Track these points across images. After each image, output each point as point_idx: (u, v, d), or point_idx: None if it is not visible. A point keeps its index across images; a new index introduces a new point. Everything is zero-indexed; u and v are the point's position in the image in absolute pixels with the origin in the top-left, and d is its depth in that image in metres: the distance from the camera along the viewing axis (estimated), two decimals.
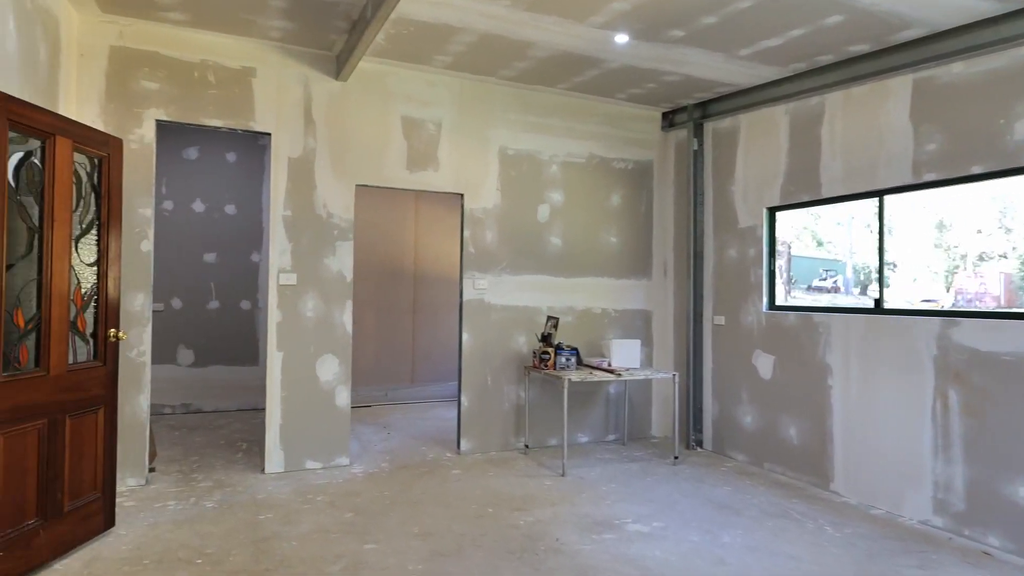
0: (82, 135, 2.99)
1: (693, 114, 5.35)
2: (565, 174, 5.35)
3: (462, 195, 4.98)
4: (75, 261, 2.98)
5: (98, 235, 3.14)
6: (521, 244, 5.18)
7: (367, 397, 6.93)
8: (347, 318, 4.55)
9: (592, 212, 5.47)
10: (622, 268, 5.58)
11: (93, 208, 3.11)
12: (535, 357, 4.83)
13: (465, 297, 4.96)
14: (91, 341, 3.10)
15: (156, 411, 6.12)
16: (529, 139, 5.21)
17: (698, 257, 5.34)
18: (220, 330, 6.39)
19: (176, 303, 6.24)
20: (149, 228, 4.06)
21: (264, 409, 6.49)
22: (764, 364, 4.79)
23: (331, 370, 4.50)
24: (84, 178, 3.05)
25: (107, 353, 3.17)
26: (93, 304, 3.11)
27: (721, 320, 5.19)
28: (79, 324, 3.02)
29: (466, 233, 4.97)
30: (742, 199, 5.05)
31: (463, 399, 4.94)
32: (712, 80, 4.75)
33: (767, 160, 4.84)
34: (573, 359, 4.75)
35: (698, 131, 5.36)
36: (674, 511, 3.79)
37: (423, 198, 7.29)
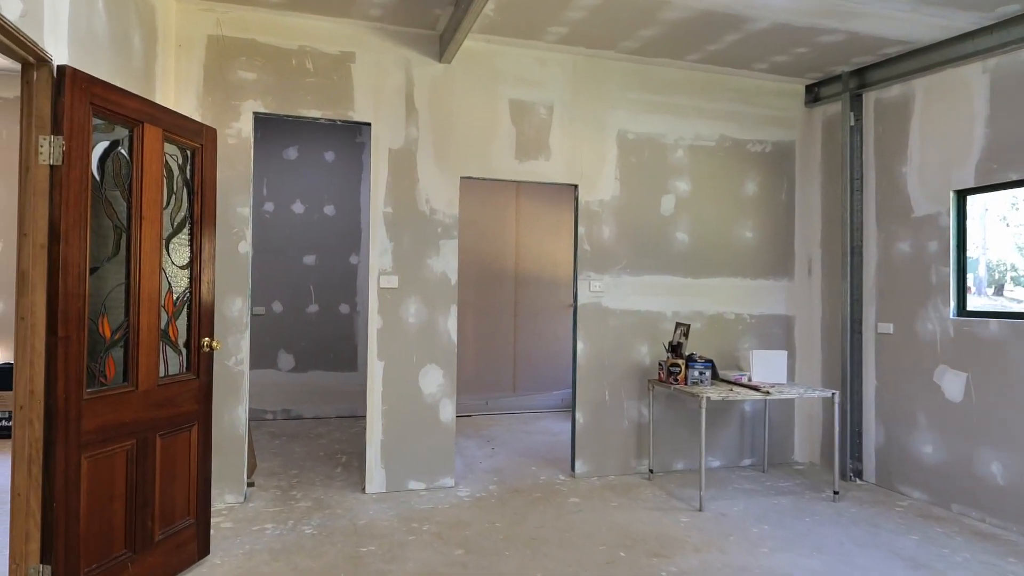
0: (173, 123, 2.71)
1: (849, 83, 4.51)
2: (692, 160, 4.67)
3: (576, 186, 4.43)
4: (166, 263, 2.69)
5: (191, 234, 2.85)
6: (642, 240, 4.55)
7: (467, 407, 6.53)
8: (452, 324, 4.11)
9: (724, 203, 4.74)
10: (758, 267, 4.82)
11: (185, 205, 2.82)
12: (661, 370, 4.19)
13: (580, 301, 4.40)
14: (183, 351, 2.82)
15: (258, 416, 6.01)
16: (651, 121, 4.57)
17: (855, 253, 4.49)
18: (320, 335, 6.21)
19: (277, 307, 6.12)
20: (247, 228, 3.80)
21: (364, 417, 6.32)
22: (952, 383, 3.89)
23: (435, 382, 4.08)
24: (176, 171, 2.77)
25: (201, 364, 2.88)
26: (186, 310, 2.83)
27: (888, 328, 4.31)
28: (170, 333, 2.73)
29: (580, 229, 4.41)
30: (918, 182, 4.15)
31: (578, 415, 4.38)
32: (882, 38, 3.91)
33: (954, 132, 3.93)
34: (708, 373, 4.07)
35: (855, 103, 4.51)
36: (854, 568, 3.04)
37: (525, 192, 6.81)
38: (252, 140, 3.82)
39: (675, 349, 4.20)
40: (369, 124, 4.02)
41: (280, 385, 6.09)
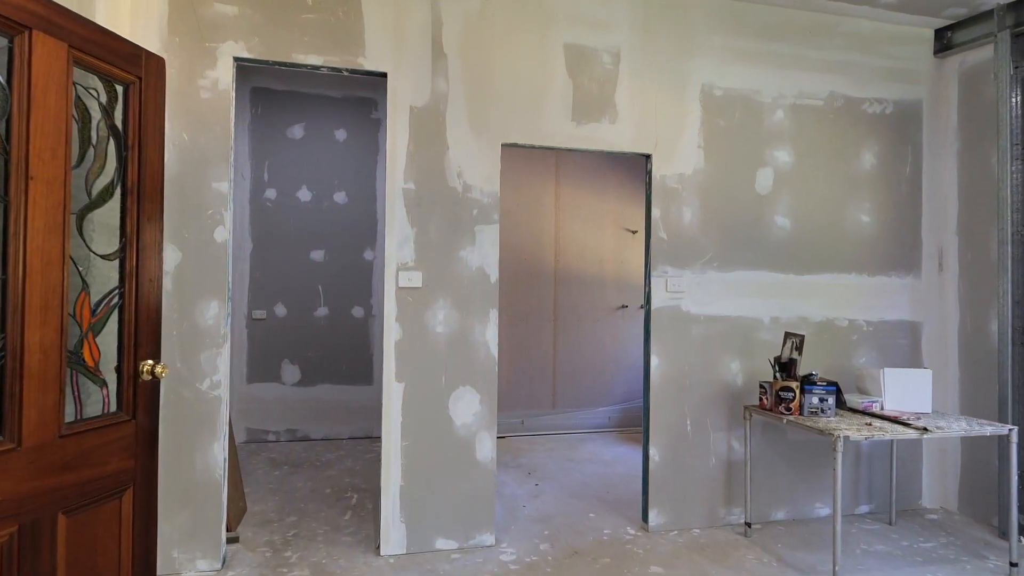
0: (89, 40, 1.80)
1: (1004, 21, 3.47)
2: (795, 122, 3.67)
3: (648, 157, 3.46)
4: (77, 249, 1.79)
5: (123, 209, 1.94)
6: (733, 226, 3.56)
7: (500, 427, 5.58)
8: (491, 335, 3.17)
9: (833, 178, 3.73)
10: (877, 260, 3.79)
11: (113, 164, 1.92)
12: (764, 393, 3.20)
13: (653, 304, 3.42)
14: (109, 382, 1.91)
15: (258, 438, 5.13)
16: (743, 73, 3.58)
17: (1017, 242, 3.44)
18: (330, 342, 5.31)
19: (280, 310, 5.24)
20: (226, 210, 2.90)
21: (379, 438, 5.42)
22: None
23: (470, 409, 3.14)
24: (96, 115, 1.86)
25: (139, 399, 1.97)
26: (116, 321, 1.92)
27: None
28: (87, 354, 1.83)
29: (655, 212, 3.43)
30: None
31: (651, 450, 3.40)
32: None
33: None
34: (831, 400, 3.06)
35: (1015, 47, 3.46)
36: None
37: (566, 170, 5.84)
38: (232, 94, 2.92)
39: (786, 367, 3.21)
40: (385, 75, 3.09)
41: (284, 401, 5.21)
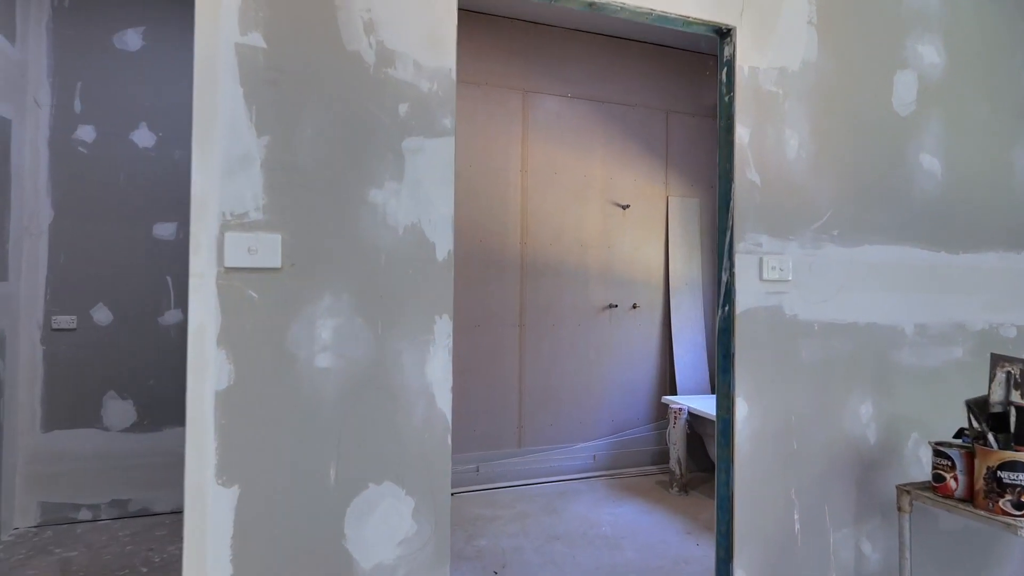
0: None
1: None
2: (948, 1, 2.20)
3: (727, 33, 1.89)
4: None
5: None
6: (861, 167, 2.05)
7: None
8: (438, 371, 1.51)
9: (997, 98, 2.29)
10: None
11: None
12: (951, 468, 1.70)
13: (739, 303, 1.85)
14: None
15: (62, 518, 3.24)
16: None
17: None
18: (183, 364, 3.49)
19: (101, 315, 3.36)
20: None
21: None
22: None
23: (393, 531, 1.47)
24: None
25: None
26: None
27: None
28: None
29: (739, 133, 1.86)
30: None
31: (737, 564, 1.84)
32: None
33: None
34: None
35: None
36: None
37: (538, 117, 4.24)
38: None
39: (999, 421, 1.71)
40: None
41: (108, 456, 3.34)
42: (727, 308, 1.86)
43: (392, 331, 1.46)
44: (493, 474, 4.05)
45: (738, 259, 1.84)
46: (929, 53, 2.16)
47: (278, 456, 1.36)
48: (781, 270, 1.89)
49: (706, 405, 4.25)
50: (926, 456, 2.11)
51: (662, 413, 4.55)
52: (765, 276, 1.87)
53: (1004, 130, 2.28)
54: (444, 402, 1.49)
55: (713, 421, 3.86)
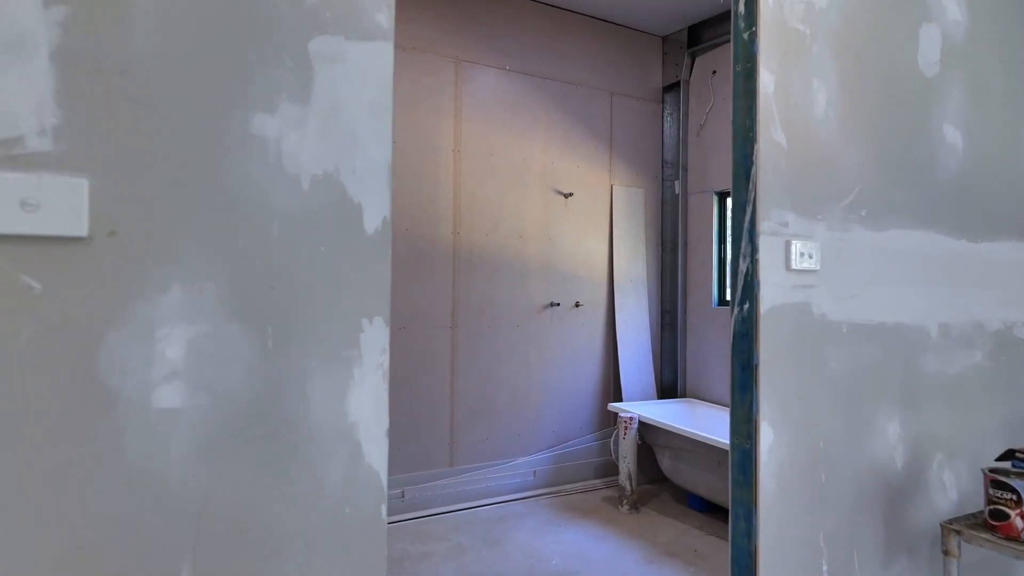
0: None
1: None
2: None
3: None
4: None
5: None
6: (890, 130, 1.69)
7: None
8: (370, 407, 0.97)
9: (1015, 64, 2.03)
10: None
11: None
12: (1017, 503, 1.35)
13: (764, 301, 1.43)
14: None
15: None
16: None
17: None
18: None
19: None
20: None
21: None
22: None
23: None
24: None
25: None
26: None
27: None
28: None
29: (763, 80, 1.44)
30: None
31: None
32: None
33: None
34: None
35: None
36: None
37: (472, 92, 3.73)
38: None
39: None
40: None
41: None
42: (747, 306, 1.43)
43: (292, 344, 0.90)
44: (422, 500, 3.50)
45: (763, 242, 1.42)
46: (952, 8, 1.84)
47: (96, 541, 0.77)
48: (810, 257, 1.49)
49: (657, 413, 3.90)
50: (951, 481, 1.79)
51: (607, 421, 4.16)
52: (793, 265, 1.46)
53: (1017, 105, 2.01)
54: (376, 454, 0.95)
55: (666, 431, 3.50)
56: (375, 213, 0.97)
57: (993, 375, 1.91)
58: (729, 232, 1.48)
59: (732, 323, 1.47)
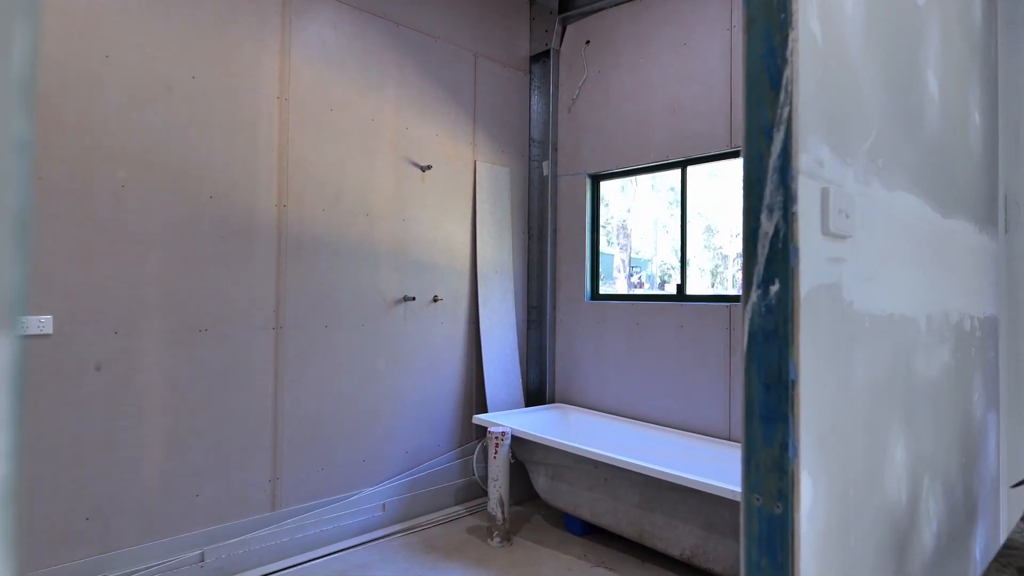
0: None
1: None
2: None
3: None
4: None
5: None
6: (898, 63, 1.28)
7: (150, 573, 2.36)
8: None
9: (966, 17, 1.78)
10: (966, 203, 1.99)
11: None
12: None
13: (804, 280, 0.91)
14: None
15: None
16: None
17: None
18: None
19: None
20: None
21: None
22: None
23: None
24: None
25: None
26: None
27: None
28: None
29: None
30: None
31: None
32: None
33: None
34: None
35: None
36: None
37: (305, 27, 2.89)
38: None
39: None
40: None
41: None
42: (775, 287, 0.90)
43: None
44: (231, 561, 2.60)
45: (802, 186, 0.90)
46: None
47: None
48: (847, 217, 1.00)
49: (529, 424, 3.38)
50: (933, 509, 1.45)
51: (468, 435, 3.56)
52: (832, 227, 0.96)
53: (965, 64, 1.77)
54: None
55: (544, 446, 2.97)
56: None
57: (957, 375, 1.63)
58: (743, 174, 0.94)
59: (747, 315, 0.93)
